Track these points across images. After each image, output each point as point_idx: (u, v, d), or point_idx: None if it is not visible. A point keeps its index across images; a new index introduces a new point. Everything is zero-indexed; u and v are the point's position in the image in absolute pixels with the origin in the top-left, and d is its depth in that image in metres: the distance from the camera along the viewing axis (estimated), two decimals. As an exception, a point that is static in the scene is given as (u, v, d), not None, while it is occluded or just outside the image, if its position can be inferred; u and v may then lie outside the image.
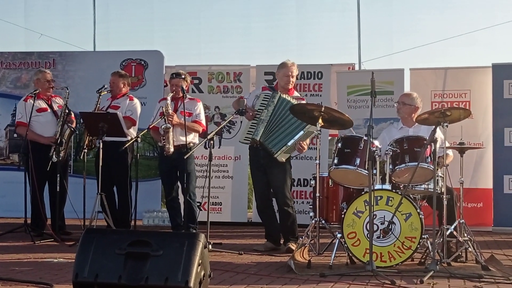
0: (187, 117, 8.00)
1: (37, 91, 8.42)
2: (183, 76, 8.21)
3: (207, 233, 6.94)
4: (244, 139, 7.57)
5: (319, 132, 6.87)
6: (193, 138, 8.19)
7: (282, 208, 7.50)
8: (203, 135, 8.57)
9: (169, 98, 8.02)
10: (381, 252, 6.15)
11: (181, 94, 8.01)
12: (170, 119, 7.91)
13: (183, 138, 7.86)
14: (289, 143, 7.34)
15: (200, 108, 8.31)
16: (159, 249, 4.37)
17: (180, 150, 7.87)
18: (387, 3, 13.17)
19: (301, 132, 7.30)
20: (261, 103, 7.50)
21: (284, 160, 7.41)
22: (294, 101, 7.39)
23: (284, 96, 7.47)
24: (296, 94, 7.81)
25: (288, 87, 7.62)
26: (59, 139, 8.30)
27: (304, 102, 7.61)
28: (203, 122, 8.35)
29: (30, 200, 8.34)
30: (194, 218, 8.06)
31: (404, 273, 5.88)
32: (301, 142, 7.40)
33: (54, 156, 8.25)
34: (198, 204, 8.31)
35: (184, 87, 8.13)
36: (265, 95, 7.56)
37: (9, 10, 13.59)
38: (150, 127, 8.08)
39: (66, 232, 8.52)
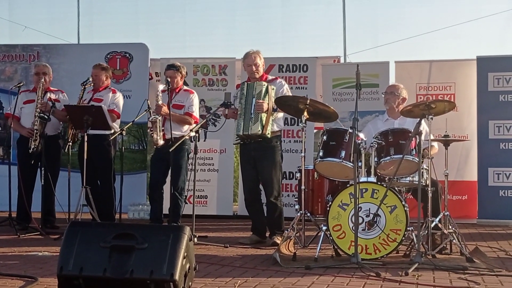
0: (178, 109, 7.97)
1: (21, 84, 8.46)
2: (177, 68, 8.14)
3: (192, 226, 6.91)
4: (235, 140, 7.57)
5: (304, 125, 6.86)
6: (186, 131, 8.03)
7: (270, 200, 7.48)
8: None
9: (159, 89, 7.92)
10: (366, 245, 6.16)
11: (175, 86, 7.96)
12: (159, 109, 7.84)
13: (175, 132, 7.78)
14: (252, 115, 7.28)
15: (193, 100, 8.17)
16: (144, 242, 4.35)
17: (173, 143, 7.74)
18: (372, -4, 13.22)
19: (254, 99, 7.27)
20: (239, 101, 7.50)
21: (260, 130, 7.26)
22: (263, 84, 7.36)
23: (250, 82, 7.48)
24: (270, 77, 7.76)
25: (255, 76, 7.58)
26: (35, 130, 8.26)
27: (279, 81, 7.65)
28: (195, 114, 8.17)
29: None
30: (177, 215, 7.91)
31: (389, 265, 5.90)
32: (257, 102, 7.27)
33: (31, 148, 8.22)
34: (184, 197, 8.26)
35: (179, 78, 8.08)
36: (238, 92, 7.59)
37: (-7, 3, 13.51)
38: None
39: (54, 226, 8.47)
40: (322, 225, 6.47)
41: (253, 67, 7.58)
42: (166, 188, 8.13)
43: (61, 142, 8.69)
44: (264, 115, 7.28)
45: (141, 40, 10.86)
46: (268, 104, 7.27)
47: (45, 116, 8.25)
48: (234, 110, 7.53)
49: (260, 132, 7.28)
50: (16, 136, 8.83)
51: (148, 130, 7.94)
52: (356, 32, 11.93)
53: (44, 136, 8.19)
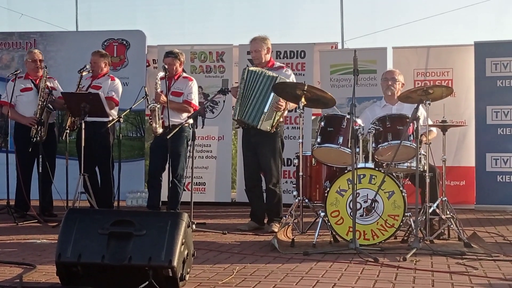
0: (177, 97, 7.93)
1: (18, 72, 8.39)
2: (175, 55, 8.05)
3: (190, 213, 6.91)
4: (236, 126, 7.57)
5: (302, 111, 6.84)
6: (185, 118, 7.93)
7: (269, 187, 7.48)
8: None
9: (158, 77, 7.86)
10: (364, 230, 6.17)
11: (174, 73, 7.92)
12: (157, 97, 7.80)
13: (174, 119, 7.76)
14: (265, 109, 7.27)
15: (192, 87, 8.08)
16: (142, 229, 4.35)
17: (171, 130, 7.71)
18: (369, -19, 13.18)
19: (272, 94, 7.23)
20: (239, 85, 7.49)
21: (269, 128, 7.31)
22: (266, 71, 7.33)
23: (252, 68, 7.43)
24: (277, 64, 7.75)
25: (258, 62, 7.57)
26: (39, 119, 8.23)
27: (285, 70, 7.60)
28: (194, 101, 8.09)
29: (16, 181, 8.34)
30: (176, 202, 7.89)
31: (387, 250, 5.91)
32: (277, 102, 7.26)
33: (33, 137, 8.20)
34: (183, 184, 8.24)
35: (178, 65, 8.02)
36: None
37: (-10, -10, 13.46)
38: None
39: (52, 214, 8.47)
40: (320, 211, 6.48)
41: (254, 53, 7.58)
42: (165, 176, 8.12)
43: (56, 131, 8.69)
44: (278, 114, 7.31)
45: (138, 27, 10.84)
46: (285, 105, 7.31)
47: (51, 106, 8.27)
48: (237, 89, 7.52)
49: (268, 130, 7.31)
50: (12, 123, 8.78)
51: (147, 118, 7.90)
52: (354, 18, 11.92)
53: (48, 125, 8.19)
